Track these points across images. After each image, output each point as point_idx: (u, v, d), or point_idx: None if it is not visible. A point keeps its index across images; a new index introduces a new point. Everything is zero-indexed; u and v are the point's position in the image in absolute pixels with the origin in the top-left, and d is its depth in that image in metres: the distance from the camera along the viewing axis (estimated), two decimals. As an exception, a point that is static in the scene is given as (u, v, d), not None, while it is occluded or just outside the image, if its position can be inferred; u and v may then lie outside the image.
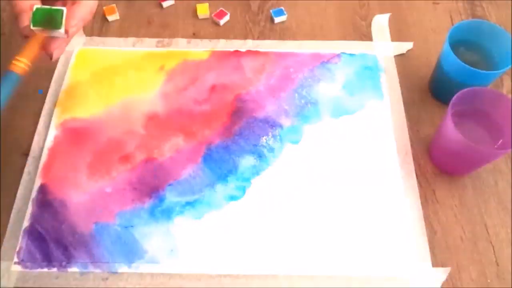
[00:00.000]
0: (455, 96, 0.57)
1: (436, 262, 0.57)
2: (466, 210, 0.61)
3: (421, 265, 0.57)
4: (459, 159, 0.60)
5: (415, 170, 0.63)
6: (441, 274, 0.56)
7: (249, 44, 0.75)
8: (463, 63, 0.61)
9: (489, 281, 0.56)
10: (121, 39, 0.76)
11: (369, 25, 0.78)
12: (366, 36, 0.77)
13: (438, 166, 0.64)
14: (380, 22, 0.77)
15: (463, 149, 0.57)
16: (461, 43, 0.65)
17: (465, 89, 0.58)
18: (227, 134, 0.66)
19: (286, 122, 0.67)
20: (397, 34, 0.77)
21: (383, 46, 0.75)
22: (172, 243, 0.57)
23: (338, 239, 0.58)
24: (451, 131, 0.56)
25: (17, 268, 0.56)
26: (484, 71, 0.61)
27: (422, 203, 0.61)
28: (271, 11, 0.79)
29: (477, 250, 0.58)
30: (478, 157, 0.58)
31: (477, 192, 0.62)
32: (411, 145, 0.66)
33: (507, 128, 0.60)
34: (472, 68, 0.60)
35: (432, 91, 0.71)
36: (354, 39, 0.77)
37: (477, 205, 0.62)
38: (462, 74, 0.62)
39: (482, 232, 0.60)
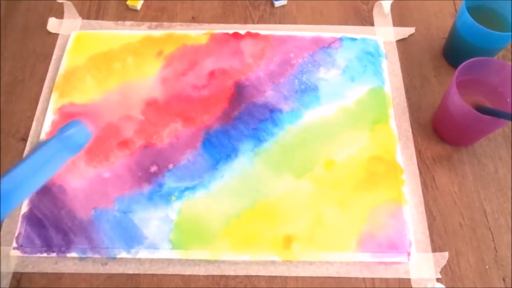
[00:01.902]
0: (460, 66, 0.58)
1: (435, 247, 0.57)
2: (465, 197, 0.61)
3: (420, 250, 0.57)
4: (462, 127, 0.60)
5: (416, 156, 0.63)
6: (440, 259, 0.56)
7: (249, 28, 0.74)
8: (479, 25, 0.61)
9: (487, 267, 0.57)
10: (119, 22, 0.75)
11: (371, 9, 0.77)
12: (368, 21, 0.76)
13: (441, 135, 0.64)
14: (383, 7, 0.76)
15: (466, 116, 0.57)
16: (476, 8, 0.64)
17: (471, 60, 0.58)
18: (226, 119, 0.65)
19: (285, 107, 0.66)
20: (399, 19, 0.76)
21: (385, 31, 0.74)
22: (171, 228, 0.57)
23: (337, 225, 0.58)
24: (455, 98, 0.56)
25: (16, 253, 0.56)
26: (499, 33, 0.61)
27: (422, 189, 0.61)
28: (271, -6, 0.78)
29: (476, 236, 0.58)
30: (479, 125, 0.58)
31: (477, 178, 0.62)
32: (412, 131, 0.65)
33: (509, 98, 0.60)
34: (488, 29, 0.61)
35: (447, 57, 0.71)
36: (355, 24, 0.75)
37: (477, 191, 0.61)
38: (478, 37, 0.63)
39: (481, 218, 0.60)
